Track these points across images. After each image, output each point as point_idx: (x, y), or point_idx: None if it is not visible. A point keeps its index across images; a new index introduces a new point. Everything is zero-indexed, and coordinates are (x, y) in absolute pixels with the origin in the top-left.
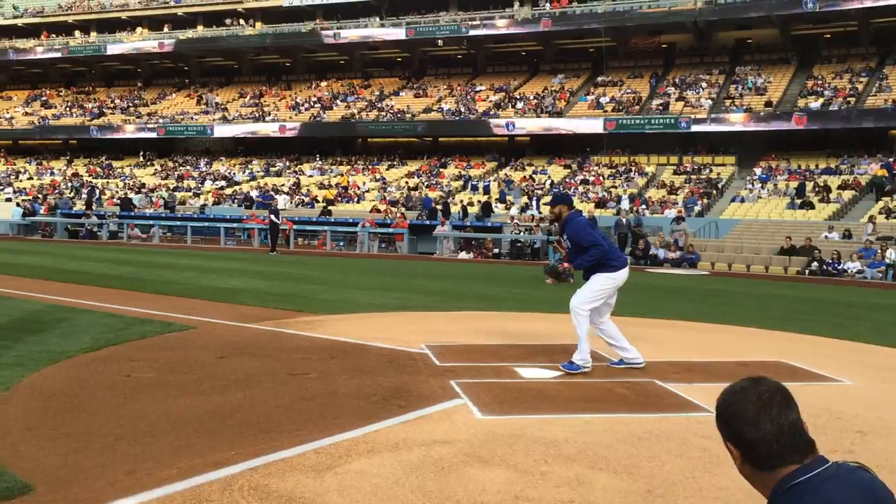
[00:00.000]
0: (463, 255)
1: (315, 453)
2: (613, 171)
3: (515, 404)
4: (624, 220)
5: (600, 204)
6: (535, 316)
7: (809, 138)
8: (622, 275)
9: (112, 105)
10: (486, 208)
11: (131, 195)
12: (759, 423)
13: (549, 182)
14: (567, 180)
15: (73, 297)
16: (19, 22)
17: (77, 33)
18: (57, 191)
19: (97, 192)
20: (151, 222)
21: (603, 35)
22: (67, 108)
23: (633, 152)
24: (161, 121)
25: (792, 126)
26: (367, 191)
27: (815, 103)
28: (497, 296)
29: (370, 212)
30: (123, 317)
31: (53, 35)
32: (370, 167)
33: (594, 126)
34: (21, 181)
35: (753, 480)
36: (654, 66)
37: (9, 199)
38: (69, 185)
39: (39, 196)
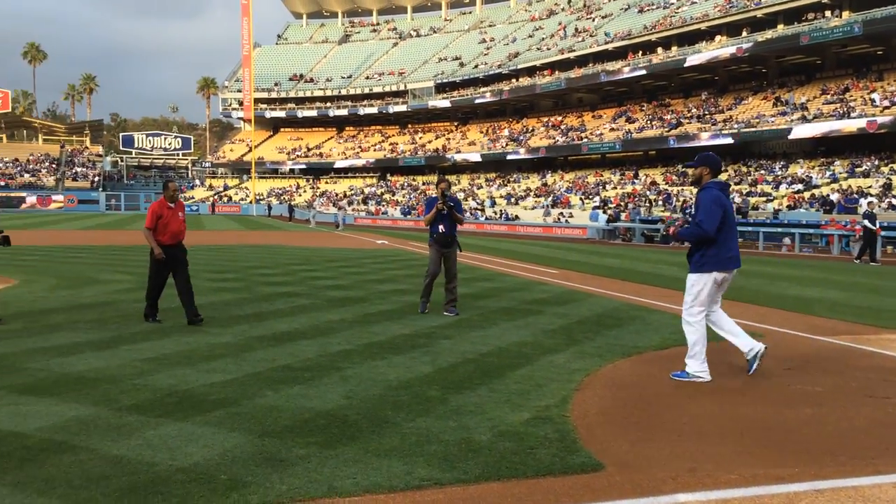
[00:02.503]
0: None
1: (895, 487)
2: None
3: None
4: None
5: None
6: None
7: None
8: (718, 276)
9: (689, 115)
10: None
11: None
12: None
13: None
14: None
15: (645, 297)
16: (609, 47)
17: (659, 50)
18: (636, 199)
19: (672, 199)
20: None
21: None
22: (648, 122)
23: None
24: (736, 126)
25: None
26: None
27: None
28: None
29: None
30: None
31: (639, 54)
32: None
33: None
34: (607, 191)
35: None
36: None
37: (596, 207)
38: (647, 193)
39: (621, 204)
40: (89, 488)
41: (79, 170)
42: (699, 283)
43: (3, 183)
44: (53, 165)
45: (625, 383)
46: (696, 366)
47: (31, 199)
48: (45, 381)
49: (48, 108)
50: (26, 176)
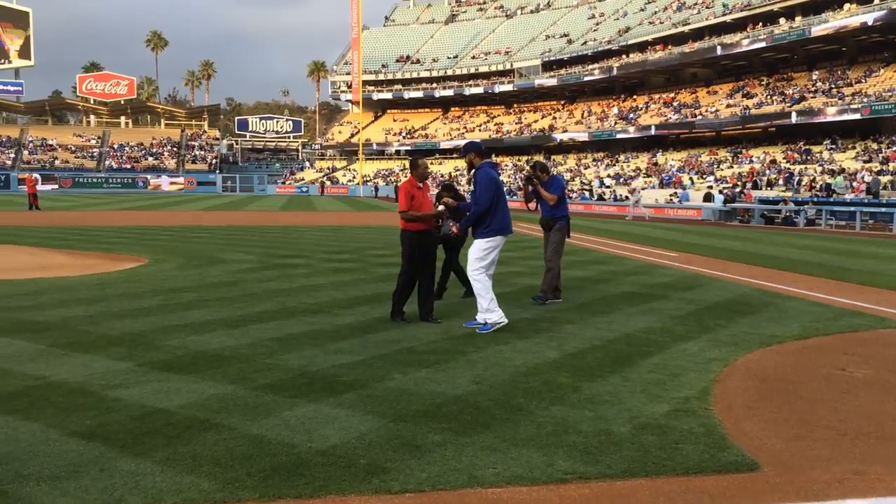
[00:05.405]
0: None
1: None
2: None
3: None
4: None
5: None
6: None
7: None
8: (499, 241)
9: (813, 88)
10: None
11: (829, 180)
12: None
13: None
14: None
15: (775, 282)
16: (727, 18)
17: (781, 20)
18: (755, 178)
19: (795, 178)
20: (852, 209)
21: None
22: (768, 97)
23: None
24: (866, 100)
25: None
26: None
27: None
28: None
29: None
30: (830, 307)
31: (759, 25)
32: None
33: None
34: (722, 170)
35: None
36: None
37: (710, 188)
38: (766, 172)
39: (738, 184)
40: (235, 468)
41: (197, 153)
42: (488, 248)
43: (129, 166)
44: (174, 149)
45: (768, 375)
46: (495, 317)
47: (155, 181)
48: (184, 358)
49: (169, 93)
50: (150, 159)
